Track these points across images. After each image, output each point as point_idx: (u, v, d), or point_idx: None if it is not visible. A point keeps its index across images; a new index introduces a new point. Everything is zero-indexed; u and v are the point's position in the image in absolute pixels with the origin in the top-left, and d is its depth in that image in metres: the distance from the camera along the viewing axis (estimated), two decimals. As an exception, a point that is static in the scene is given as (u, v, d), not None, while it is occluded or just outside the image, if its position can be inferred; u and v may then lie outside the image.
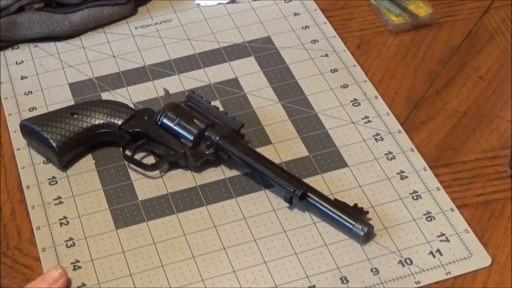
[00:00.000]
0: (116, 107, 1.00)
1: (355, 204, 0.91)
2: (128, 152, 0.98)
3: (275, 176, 0.93)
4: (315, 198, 0.91)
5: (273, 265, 0.89)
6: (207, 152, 0.97)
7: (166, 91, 1.04)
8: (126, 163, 0.98)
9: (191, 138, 0.96)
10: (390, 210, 0.93)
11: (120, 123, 0.98)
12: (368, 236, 0.89)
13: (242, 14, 1.18)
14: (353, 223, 0.89)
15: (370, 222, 0.91)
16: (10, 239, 0.93)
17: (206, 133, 0.96)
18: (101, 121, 0.99)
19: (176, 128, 0.97)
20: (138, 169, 0.98)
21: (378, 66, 1.10)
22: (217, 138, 0.96)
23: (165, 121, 0.97)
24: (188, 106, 0.99)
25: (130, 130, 0.98)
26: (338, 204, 0.91)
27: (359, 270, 0.88)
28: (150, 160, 0.99)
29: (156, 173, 0.98)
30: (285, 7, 1.18)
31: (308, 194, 0.91)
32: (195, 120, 0.97)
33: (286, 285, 0.87)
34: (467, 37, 1.13)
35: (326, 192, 0.94)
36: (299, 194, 0.91)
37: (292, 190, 0.92)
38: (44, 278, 0.87)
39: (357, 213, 0.90)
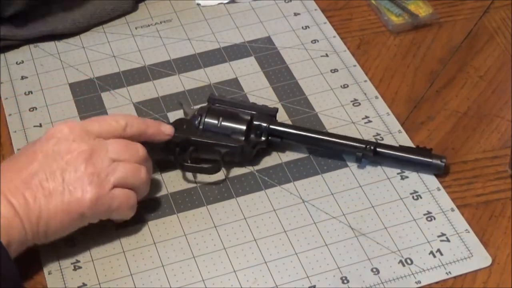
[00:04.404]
0: None
1: (417, 146, 0.97)
2: (185, 163, 0.96)
3: (342, 141, 0.96)
4: (386, 150, 0.95)
5: (274, 265, 0.89)
6: (261, 140, 0.96)
7: (184, 102, 1.03)
8: None
9: (243, 130, 0.95)
10: (391, 210, 0.93)
11: None
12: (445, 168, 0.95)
13: (242, 14, 1.18)
14: (430, 159, 0.95)
15: (371, 222, 0.91)
16: (10, 239, 0.93)
17: (254, 122, 0.96)
18: None
19: (223, 126, 0.96)
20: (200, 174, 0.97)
21: (378, 66, 1.10)
22: (267, 124, 0.96)
23: (209, 122, 0.96)
24: (215, 107, 0.98)
25: (179, 141, 0.95)
26: (406, 149, 0.96)
27: (359, 270, 0.88)
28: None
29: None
30: (285, 7, 1.18)
31: (376, 149, 0.95)
32: (238, 116, 0.96)
33: (286, 285, 0.87)
34: (467, 37, 1.13)
35: (326, 192, 0.94)
36: (373, 148, 0.95)
37: (364, 147, 0.95)
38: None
39: (424, 151, 0.95)
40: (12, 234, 0.82)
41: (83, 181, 0.85)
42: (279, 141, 0.97)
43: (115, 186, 0.87)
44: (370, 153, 0.95)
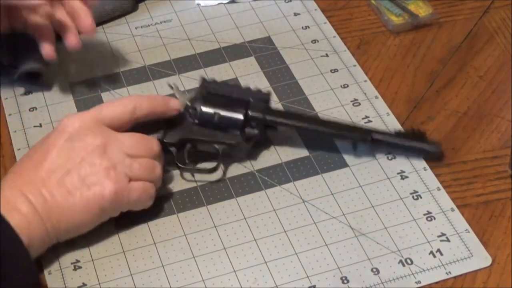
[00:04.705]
0: (148, 122, 0.95)
1: (412, 128, 0.97)
2: (183, 163, 0.96)
3: (337, 129, 0.96)
4: (380, 138, 0.96)
5: (274, 265, 0.89)
6: (255, 133, 0.96)
7: (175, 87, 1.00)
8: None
9: (239, 126, 0.95)
10: (391, 210, 0.93)
11: (160, 137, 0.95)
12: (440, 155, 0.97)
13: (242, 14, 1.18)
14: (426, 146, 0.96)
15: (371, 221, 0.91)
16: (10, 239, 0.93)
17: (249, 114, 0.96)
18: None
19: (219, 121, 0.95)
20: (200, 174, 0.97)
21: (378, 66, 1.10)
22: (263, 115, 0.96)
23: (205, 118, 0.95)
24: (208, 93, 0.97)
25: (174, 141, 0.95)
26: (401, 135, 0.97)
27: (359, 270, 0.88)
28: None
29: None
30: (285, 7, 1.18)
31: (372, 136, 0.95)
32: (233, 106, 0.96)
33: (286, 285, 0.87)
34: (467, 37, 1.13)
35: (326, 192, 0.94)
36: (370, 139, 0.95)
37: (360, 136, 0.96)
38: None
39: (419, 135, 0.97)
40: (33, 231, 0.82)
41: (100, 175, 0.86)
42: (276, 133, 0.97)
43: (131, 181, 0.88)
44: (368, 141, 0.96)
